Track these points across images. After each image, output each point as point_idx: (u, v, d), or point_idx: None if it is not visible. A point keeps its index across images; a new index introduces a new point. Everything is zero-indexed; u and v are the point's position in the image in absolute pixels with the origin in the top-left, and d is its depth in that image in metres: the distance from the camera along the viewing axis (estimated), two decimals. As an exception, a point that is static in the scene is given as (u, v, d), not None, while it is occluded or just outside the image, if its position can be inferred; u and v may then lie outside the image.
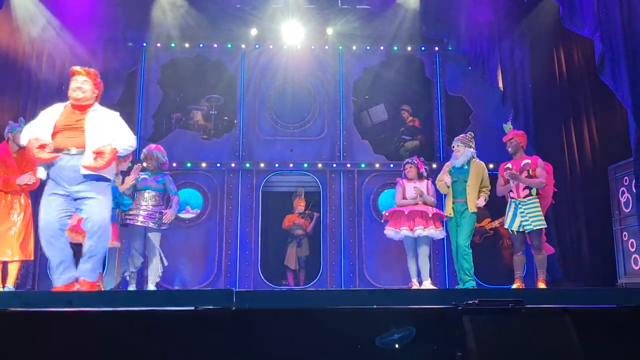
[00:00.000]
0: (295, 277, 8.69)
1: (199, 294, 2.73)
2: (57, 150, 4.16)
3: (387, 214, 6.52)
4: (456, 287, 6.23)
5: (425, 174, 6.54)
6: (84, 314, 2.42)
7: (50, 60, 7.57)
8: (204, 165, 8.28)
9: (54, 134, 4.18)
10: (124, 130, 4.38)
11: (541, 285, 5.74)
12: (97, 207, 4.17)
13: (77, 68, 4.53)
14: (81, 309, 2.47)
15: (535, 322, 2.10)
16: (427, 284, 6.22)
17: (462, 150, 6.08)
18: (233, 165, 8.36)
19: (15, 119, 5.99)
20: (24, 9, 7.30)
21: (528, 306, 2.12)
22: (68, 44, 7.60)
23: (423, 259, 6.26)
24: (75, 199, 4.16)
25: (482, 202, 5.98)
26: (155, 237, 6.23)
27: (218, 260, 8.05)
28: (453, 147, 6.21)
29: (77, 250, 5.91)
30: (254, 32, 8.63)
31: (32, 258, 6.02)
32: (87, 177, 4.14)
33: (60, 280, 4.18)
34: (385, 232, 6.39)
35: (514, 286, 5.86)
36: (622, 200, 6.89)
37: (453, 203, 6.04)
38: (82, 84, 4.39)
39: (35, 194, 5.92)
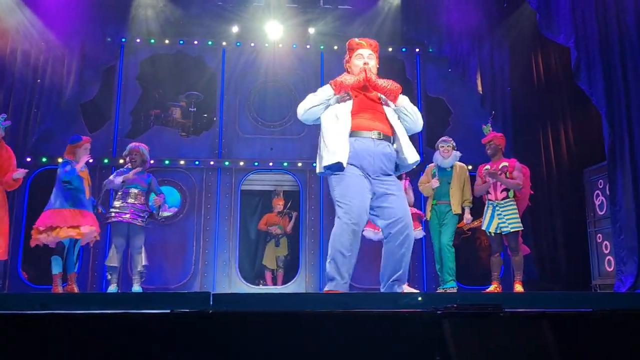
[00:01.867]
0: (273, 276, 8.66)
1: (175, 297, 2.68)
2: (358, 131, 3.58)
3: None
4: (437, 288, 6.26)
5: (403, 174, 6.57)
6: (56, 316, 2.35)
7: (25, 54, 7.41)
8: (182, 162, 8.19)
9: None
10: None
11: (518, 286, 5.81)
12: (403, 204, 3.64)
13: (356, 40, 3.91)
14: (54, 312, 2.40)
15: (514, 326, 2.11)
16: (405, 287, 6.23)
17: (450, 152, 6.13)
18: (212, 163, 8.28)
19: None
20: (1, 2, 7.14)
21: (506, 310, 2.12)
22: (44, 37, 7.46)
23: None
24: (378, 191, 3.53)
25: (469, 218, 6.08)
26: (140, 236, 6.18)
27: (195, 260, 7.97)
28: (441, 147, 6.22)
29: (58, 248, 5.83)
30: (235, 29, 8.57)
31: (6, 258, 5.92)
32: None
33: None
34: (364, 233, 6.39)
35: (491, 287, 5.93)
36: (597, 203, 7.01)
37: (436, 205, 6.07)
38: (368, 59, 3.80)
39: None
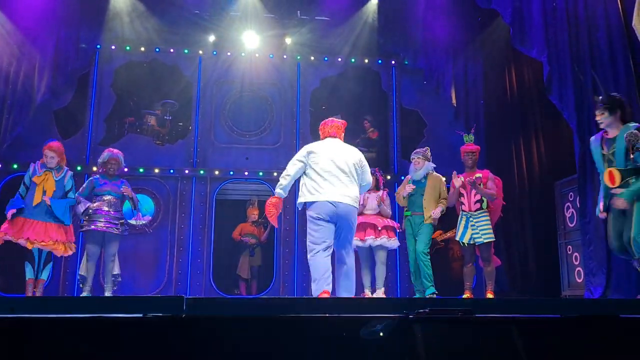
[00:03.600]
0: (247, 286, 8.61)
1: (148, 301, 2.66)
2: None
3: None
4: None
5: (382, 186, 6.63)
6: (26, 320, 2.31)
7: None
8: (156, 171, 8.12)
9: None
10: None
11: (489, 295, 5.88)
12: None
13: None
14: (23, 315, 2.36)
15: (484, 331, 2.15)
16: (380, 293, 6.28)
17: (422, 164, 6.17)
18: (187, 171, 8.23)
19: None
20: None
21: (477, 315, 2.16)
22: (16, 41, 7.33)
23: (379, 267, 6.32)
24: None
25: (438, 213, 6.02)
26: (114, 244, 6.09)
27: (169, 269, 7.89)
28: (413, 159, 6.27)
29: (29, 254, 5.73)
30: (212, 38, 8.57)
31: None
32: None
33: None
34: None
35: (464, 296, 5.98)
36: (567, 215, 7.16)
37: (411, 216, 6.12)
38: None
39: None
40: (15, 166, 7.61)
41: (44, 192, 5.76)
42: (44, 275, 5.86)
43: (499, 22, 7.90)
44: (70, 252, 6.01)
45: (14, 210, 5.65)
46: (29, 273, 5.74)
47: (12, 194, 6.96)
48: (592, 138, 4.76)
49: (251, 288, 8.57)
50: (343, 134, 5.11)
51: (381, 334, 2.10)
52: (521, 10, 6.68)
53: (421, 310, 2.16)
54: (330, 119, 5.09)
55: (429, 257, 6.00)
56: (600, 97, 4.64)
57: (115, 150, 6.37)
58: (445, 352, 2.04)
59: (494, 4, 6.89)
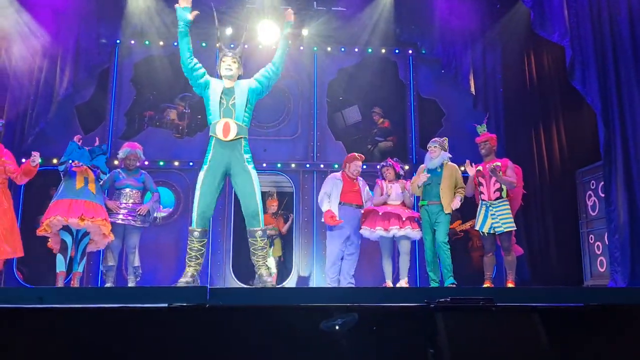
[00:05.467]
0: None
1: (172, 291, 2.71)
2: None
3: (363, 213, 6.55)
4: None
5: (402, 173, 6.64)
6: (55, 310, 2.38)
7: (20, 55, 7.42)
8: (176, 163, 8.21)
9: None
10: None
11: (510, 286, 5.85)
12: None
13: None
14: (52, 306, 2.43)
15: (505, 320, 2.15)
16: (402, 283, 6.30)
17: (438, 152, 6.16)
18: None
19: None
20: (-5, 2, 7.17)
21: (498, 304, 2.17)
22: (39, 38, 7.46)
23: (403, 257, 6.36)
24: None
25: (457, 203, 6.03)
26: (135, 236, 6.20)
27: (190, 260, 7.96)
28: (429, 147, 6.26)
29: (62, 247, 5.82)
30: (229, 31, 8.58)
31: (22, 254, 5.93)
32: None
33: None
34: (361, 231, 6.43)
35: (484, 286, 5.96)
36: (589, 203, 7.08)
37: (427, 205, 6.11)
38: None
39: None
40: (40, 161, 7.71)
41: (86, 179, 5.85)
42: (81, 267, 5.94)
43: (518, 8, 7.81)
44: (110, 238, 5.95)
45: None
46: (61, 265, 5.71)
47: (37, 188, 7.11)
48: None
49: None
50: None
51: (337, 327, 2.12)
52: (542, -7, 6.60)
53: (442, 299, 2.17)
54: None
55: (449, 246, 5.99)
56: None
57: (134, 145, 6.45)
58: (466, 340, 2.05)
59: (513, -12, 6.81)
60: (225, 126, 4.59)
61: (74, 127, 8.05)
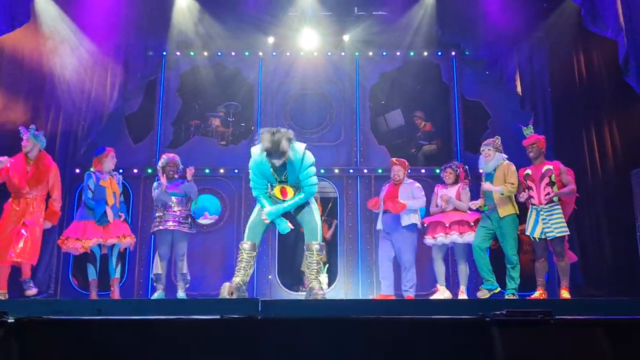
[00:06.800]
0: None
1: (225, 303, 2.74)
2: None
3: (425, 222, 6.52)
4: (480, 287, 6.15)
5: (466, 176, 6.56)
6: (111, 321, 2.44)
7: (73, 69, 7.71)
8: (222, 171, 8.33)
9: None
10: None
11: (564, 292, 5.67)
12: None
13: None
14: (109, 317, 2.49)
15: (565, 334, 2.07)
16: (461, 290, 6.24)
17: (493, 155, 6.03)
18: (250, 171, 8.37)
19: (43, 128, 6.15)
20: (49, 18, 7.47)
21: (557, 317, 2.09)
22: (90, 52, 7.75)
23: (459, 265, 6.34)
24: None
25: (487, 186, 5.86)
26: (183, 243, 6.33)
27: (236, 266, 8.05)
28: (482, 151, 6.13)
29: (91, 256, 6.04)
30: (271, 39, 8.68)
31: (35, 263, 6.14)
32: None
33: None
34: (425, 241, 6.46)
35: (536, 293, 5.81)
36: (646, 205, 6.79)
37: (488, 210, 5.99)
38: None
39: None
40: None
41: (114, 194, 6.06)
42: (118, 273, 6.13)
43: (565, 6, 7.60)
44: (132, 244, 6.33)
45: (123, 216, 6.08)
46: (92, 274, 6.02)
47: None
48: None
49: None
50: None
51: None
52: (591, -11, 6.41)
53: (498, 312, 2.11)
54: None
55: (517, 258, 5.85)
56: None
57: (171, 154, 6.68)
58: (524, 357, 1.98)
59: (561, -14, 6.63)
60: (282, 190, 4.88)
61: (123, 137, 8.31)
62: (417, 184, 6.61)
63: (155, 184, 6.60)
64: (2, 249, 5.69)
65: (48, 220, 5.94)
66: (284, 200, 4.83)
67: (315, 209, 4.95)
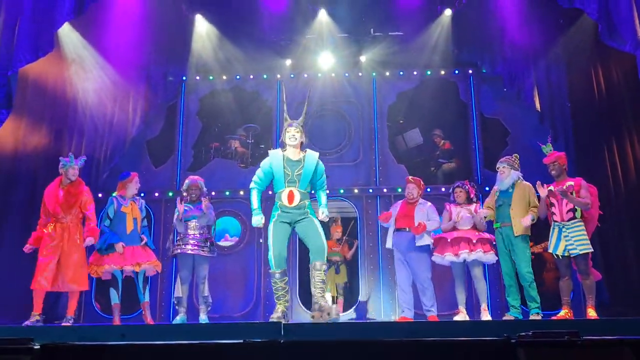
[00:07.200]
0: (333, 303, 8.62)
1: (247, 327, 2.75)
2: None
3: (433, 240, 6.43)
4: (506, 314, 6.07)
5: (474, 198, 6.47)
6: (136, 347, 2.46)
7: (96, 96, 7.89)
8: (241, 193, 8.37)
9: None
10: None
11: (591, 311, 5.55)
12: None
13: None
14: (133, 343, 2.51)
15: (593, 355, 2.04)
16: (483, 308, 6.12)
17: (508, 172, 5.98)
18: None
19: (67, 155, 6.27)
20: (72, 46, 7.67)
21: (585, 338, 2.06)
22: (112, 79, 7.93)
23: (479, 283, 6.18)
24: None
25: (528, 221, 5.77)
26: (204, 266, 6.35)
27: (257, 288, 8.07)
28: (498, 168, 6.10)
29: (113, 280, 6.09)
30: (288, 62, 8.80)
31: (87, 288, 6.23)
32: None
33: None
34: (433, 258, 6.34)
35: (562, 312, 5.70)
36: (672, 221, 6.66)
37: (500, 227, 5.93)
38: None
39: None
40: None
41: (135, 220, 6.13)
42: (147, 296, 6.18)
43: (582, 22, 7.57)
44: (159, 269, 6.36)
45: (121, 243, 6.01)
46: (114, 298, 6.03)
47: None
48: None
49: (337, 305, 8.59)
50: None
51: None
52: (607, 4, 6.38)
53: (524, 334, 2.08)
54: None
55: (533, 276, 5.77)
56: None
57: (195, 177, 6.69)
58: (552, 377, 1.96)
59: (577, 3, 6.61)
60: (290, 194, 4.98)
61: (144, 161, 8.44)
62: (431, 204, 6.54)
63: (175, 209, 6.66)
64: (42, 275, 5.78)
65: (90, 236, 6.01)
66: (289, 206, 4.96)
67: (320, 228, 5.05)
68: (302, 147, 5.20)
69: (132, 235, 6.08)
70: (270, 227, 5.04)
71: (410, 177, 6.74)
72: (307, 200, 5.05)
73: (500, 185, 6.02)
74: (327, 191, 5.33)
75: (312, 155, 5.15)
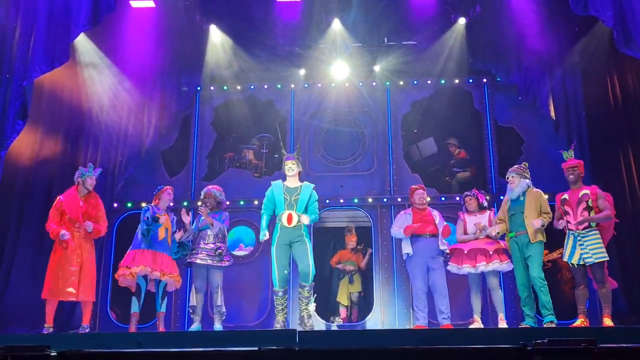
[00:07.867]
0: (348, 313, 8.60)
1: (262, 335, 2.76)
2: None
3: (448, 250, 6.40)
4: (521, 323, 6.02)
5: (486, 204, 6.45)
6: (151, 354, 2.48)
7: (111, 106, 7.99)
8: (256, 202, 8.37)
9: None
10: None
11: (607, 320, 5.49)
12: None
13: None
14: (149, 350, 2.53)
15: (610, 363, 2.02)
16: (500, 318, 6.09)
17: (517, 182, 5.97)
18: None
19: (82, 164, 6.37)
20: (87, 57, 7.79)
21: (601, 345, 2.04)
22: (127, 90, 8.02)
23: (496, 293, 6.19)
24: None
25: (538, 224, 5.72)
26: (218, 276, 6.38)
27: (271, 297, 8.02)
28: (507, 178, 6.09)
29: (137, 290, 6.14)
30: (302, 72, 8.85)
31: (94, 299, 6.34)
32: None
33: None
34: (448, 268, 6.31)
35: (578, 321, 5.64)
36: (691, 229, 6.56)
37: (515, 236, 5.90)
38: None
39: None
40: (129, 204, 8.20)
41: (166, 230, 6.21)
42: (164, 307, 6.24)
43: (597, 29, 7.54)
44: (179, 285, 6.49)
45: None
46: (135, 307, 6.11)
47: (128, 231, 7.51)
48: None
49: (352, 315, 8.56)
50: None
51: None
52: (623, 11, 6.36)
53: (539, 341, 2.07)
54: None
55: (545, 282, 5.71)
56: None
57: (211, 186, 6.75)
58: (569, 386, 1.94)
59: (592, 10, 6.58)
60: (288, 217, 5.93)
61: (159, 171, 8.52)
62: (435, 210, 6.58)
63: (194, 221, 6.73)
64: (56, 284, 5.87)
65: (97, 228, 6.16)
66: (289, 226, 5.90)
67: (310, 250, 5.96)
68: (300, 175, 6.23)
69: (163, 243, 6.19)
70: (273, 249, 5.95)
71: (413, 185, 6.74)
72: (302, 223, 5.93)
73: (511, 195, 6.01)
74: (318, 216, 6.25)
75: (308, 186, 6.13)
